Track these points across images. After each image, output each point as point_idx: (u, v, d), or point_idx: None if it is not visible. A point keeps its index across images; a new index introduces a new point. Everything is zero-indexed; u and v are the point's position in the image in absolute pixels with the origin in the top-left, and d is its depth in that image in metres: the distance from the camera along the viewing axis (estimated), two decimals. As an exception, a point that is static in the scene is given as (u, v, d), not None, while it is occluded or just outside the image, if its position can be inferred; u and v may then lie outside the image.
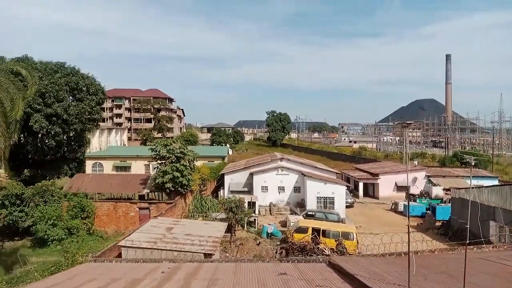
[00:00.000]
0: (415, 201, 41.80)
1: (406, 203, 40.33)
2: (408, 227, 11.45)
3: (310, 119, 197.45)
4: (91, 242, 29.15)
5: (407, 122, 14.47)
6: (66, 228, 29.61)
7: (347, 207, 39.00)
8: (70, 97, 39.82)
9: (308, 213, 34.29)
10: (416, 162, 57.36)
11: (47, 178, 38.24)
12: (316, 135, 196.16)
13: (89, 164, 56.90)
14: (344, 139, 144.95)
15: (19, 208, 29.89)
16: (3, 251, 28.33)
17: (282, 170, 41.76)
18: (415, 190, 45.50)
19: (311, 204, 37.73)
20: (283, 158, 45.15)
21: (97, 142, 69.37)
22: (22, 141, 35.99)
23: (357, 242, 26.98)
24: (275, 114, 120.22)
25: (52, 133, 36.63)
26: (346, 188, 40.44)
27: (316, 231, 27.53)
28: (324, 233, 27.54)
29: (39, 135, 36.21)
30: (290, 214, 37.20)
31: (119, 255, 20.13)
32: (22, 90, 34.87)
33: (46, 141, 37.04)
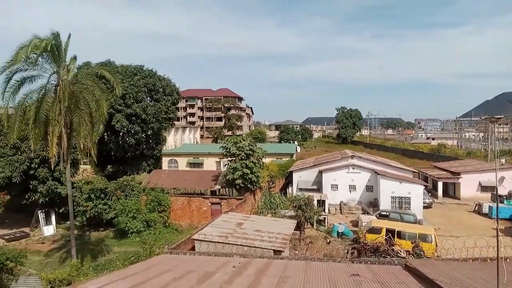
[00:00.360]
0: (502, 202, 38.15)
1: (492, 204, 37.05)
2: (497, 230, 10.41)
3: (383, 115, 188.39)
4: (167, 235, 30.62)
5: (496, 116, 13.10)
6: (145, 221, 31.43)
7: (424, 207, 36.74)
8: (148, 98, 42.22)
9: (382, 213, 32.89)
10: (503, 160, 52.33)
11: (128, 173, 40.97)
12: (389, 131, 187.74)
13: (165, 161, 60.09)
14: (421, 135, 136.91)
15: (103, 201, 32.35)
16: (90, 240, 30.90)
17: (353, 168, 40.45)
18: (502, 190, 41.52)
19: (385, 204, 36.12)
20: (354, 155, 43.73)
21: (172, 140, 72.99)
22: (105, 140, 38.93)
23: (436, 245, 25.29)
24: (345, 110, 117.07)
25: (132, 131, 39.15)
26: (424, 187, 38.09)
27: (390, 232, 26.31)
28: (399, 235, 26.22)
29: (121, 133, 38.90)
30: (362, 213, 35.96)
31: (193, 248, 20.89)
32: (106, 92, 37.85)
33: (127, 139, 39.69)
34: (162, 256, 17.55)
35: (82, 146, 22.00)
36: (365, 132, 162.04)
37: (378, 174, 38.20)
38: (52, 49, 20.79)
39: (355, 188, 40.35)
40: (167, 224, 33.37)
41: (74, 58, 21.99)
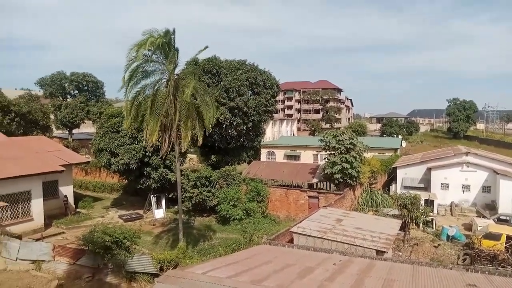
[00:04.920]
0: None
1: None
2: None
3: (503, 107, 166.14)
4: (265, 225, 31.19)
5: None
6: (244, 210, 32.41)
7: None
8: (249, 91, 43.29)
9: (501, 217, 29.31)
10: None
11: (229, 163, 42.65)
12: (510, 125, 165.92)
13: (263, 152, 61.37)
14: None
15: (207, 189, 34.14)
16: (194, 225, 32.94)
17: (467, 166, 36.61)
18: None
19: (505, 207, 32.02)
20: (469, 152, 39.53)
21: (270, 132, 74.34)
22: (210, 131, 41.06)
23: None
24: (458, 102, 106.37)
25: (234, 124, 40.65)
26: (556, 191, 32.86)
27: (512, 239, 23.27)
28: (524, 243, 23.02)
29: (224, 125, 40.60)
30: (477, 216, 32.41)
31: (291, 240, 20.90)
32: (211, 86, 39.82)
33: (229, 131, 41.29)
34: (261, 247, 17.86)
35: (189, 138, 23.30)
36: (480, 126, 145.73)
37: (498, 173, 34.00)
38: (164, 45, 22.26)
39: (469, 188, 36.56)
40: (265, 214, 34.00)
41: (176, 50, 23.04)
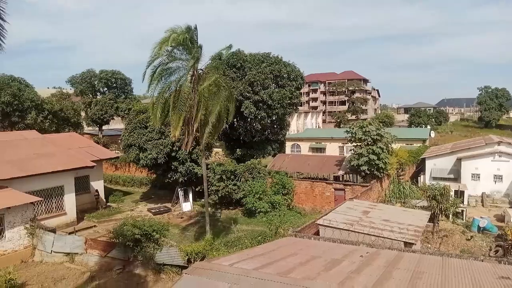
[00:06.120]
0: None
1: None
2: None
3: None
4: (291, 217, 31.21)
5: None
6: (270, 202, 32.52)
7: None
8: (273, 84, 43.06)
9: (537, 208, 28.25)
10: None
11: (254, 157, 42.74)
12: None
13: (288, 145, 61.26)
14: None
15: (233, 182, 34.43)
16: (221, 217, 33.34)
17: (500, 156, 35.38)
18: None
19: (541, 198, 30.88)
20: (501, 141, 38.18)
21: (295, 124, 74.04)
22: (235, 125, 41.23)
23: None
24: (490, 90, 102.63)
25: (259, 117, 40.61)
26: None
27: (548, 231, 22.43)
28: (561, 235, 22.16)
29: (248, 119, 40.65)
30: (510, 207, 31.36)
31: (317, 233, 20.85)
32: (236, 80, 39.95)
33: (254, 124, 41.29)
34: (287, 239, 17.91)
35: (211, 132, 23.53)
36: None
37: (533, 163, 32.75)
38: (186, 41, 22.42)
39: (501, 178, 35.40)
40: (290, 207, 34.02)
41: (199, 47, 23.19)
